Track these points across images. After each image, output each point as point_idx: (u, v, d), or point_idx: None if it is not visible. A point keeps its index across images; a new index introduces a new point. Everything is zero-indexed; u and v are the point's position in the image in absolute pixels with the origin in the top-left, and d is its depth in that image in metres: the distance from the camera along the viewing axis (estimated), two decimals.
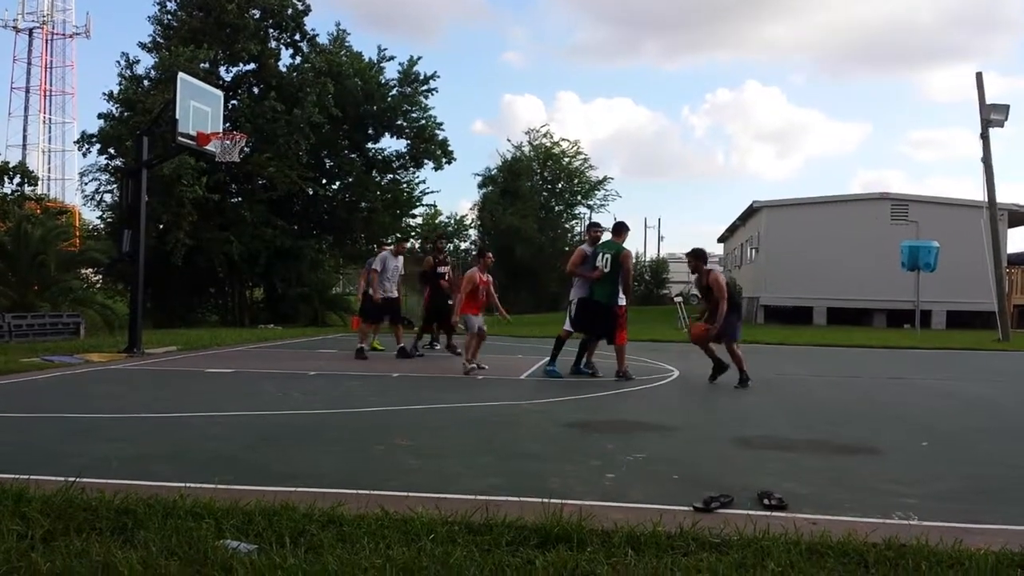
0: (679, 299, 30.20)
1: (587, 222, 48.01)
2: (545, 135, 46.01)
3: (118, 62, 26.35)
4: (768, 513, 4.42)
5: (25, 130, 65.37)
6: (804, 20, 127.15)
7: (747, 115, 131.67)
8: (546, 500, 4.30)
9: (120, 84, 25.72)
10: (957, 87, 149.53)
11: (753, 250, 35.77)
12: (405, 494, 4.62)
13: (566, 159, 46.21)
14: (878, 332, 26.95)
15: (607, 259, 11.05)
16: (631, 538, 3.83)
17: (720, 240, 51.22)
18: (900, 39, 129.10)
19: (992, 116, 23.79)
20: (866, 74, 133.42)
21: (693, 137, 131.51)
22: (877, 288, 30.57)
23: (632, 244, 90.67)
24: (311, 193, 28.16)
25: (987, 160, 24.08)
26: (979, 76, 24.20)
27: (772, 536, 3.86)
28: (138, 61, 26.46)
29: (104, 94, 25.65)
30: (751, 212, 35.87)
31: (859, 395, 10.44)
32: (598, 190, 47.32)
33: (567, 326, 11.51)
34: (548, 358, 11.62)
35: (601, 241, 11.41)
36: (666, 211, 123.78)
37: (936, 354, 18.08)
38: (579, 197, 47.29)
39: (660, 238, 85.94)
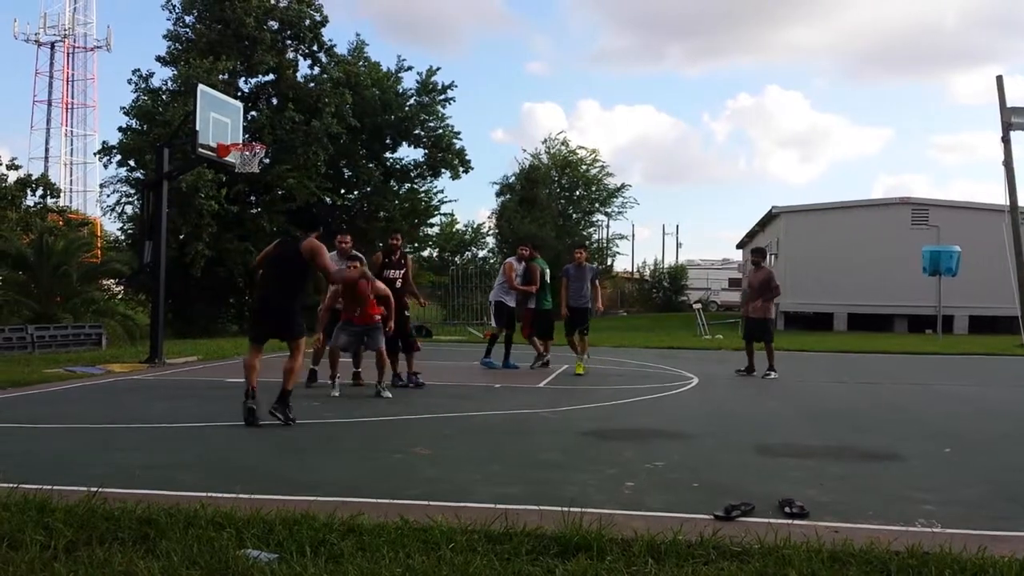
0: (698, 306, 30.10)
1: (606, 228, 47.98)
2: (563, 143, 45.98)
3: (130, 80, 26.58)
4: (789, 521, 4.39)
5: (47, 143, 65.80)
6: (827, 24, 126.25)
7: (769, 120, 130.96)
8: (565, 509, 4.29)
9: (136, 99, 25.93)
10: (984, 90, 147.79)
11: (772, 256, 35.62)
12: (424, 503, 4.62)
13: (583, 167, 46.14)
14: (900, 338, 26.74)
15: (547, 272, 13.40)
16: (651, 547, 3.81)
17: (739, 246, 51.02)
18: (925, 42, 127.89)
19: (1013, 119, 23.62)
20: (890, 78, 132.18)
21: (714, 142, 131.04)
22: (898, 293, 30.35)
23: (650, 251, 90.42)
24: (329, 202, 28.29)
25: (1008, 163, 23.88)
26: (999, 79, 24.03)
27: (793, 544, 3.84)
28: (152, 74, 26.69)
29: (122, 108, 25.88)
30: (770, 218, 35.73)
31: (881, 401, 10.36)
32: (616, 197, 47.27)
33: (494, 324, 13.37)
34: (488, 358, 13.35)
35: (534, 259, 13.38)
36: (687, 217, 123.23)
37: (959, 360, 17.91)
38: (597, 204, 47.21)
39: (679, 245, 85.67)
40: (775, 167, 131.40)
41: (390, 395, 9.64)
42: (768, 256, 36.08)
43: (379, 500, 4.68)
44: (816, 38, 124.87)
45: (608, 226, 49.57)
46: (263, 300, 8.15)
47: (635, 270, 60.79)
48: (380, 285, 9.79)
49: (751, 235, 43.52)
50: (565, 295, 12.72)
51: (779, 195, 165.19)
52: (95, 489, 4.51)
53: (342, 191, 29.34)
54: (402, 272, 10.80)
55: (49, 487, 4.63)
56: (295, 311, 7.78)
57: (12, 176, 22.21)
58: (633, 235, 66.66)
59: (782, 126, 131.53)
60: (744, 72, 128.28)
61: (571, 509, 4.27)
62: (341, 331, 9.72)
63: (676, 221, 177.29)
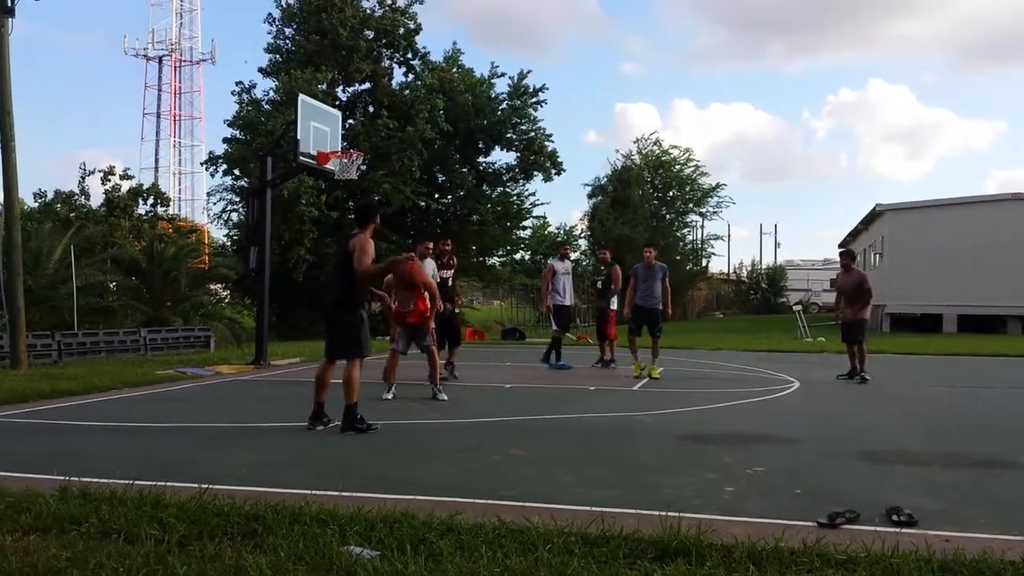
0: (798, 307, 29.34)
1: (701, 229, 47.32)
2: (655, 143, 45.54)
3: (233, 92, 27.54)
4: (897, 530, 4.24)
5: (157, 153, 68.78)
6: (934, 16, 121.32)
7: (873, 115, 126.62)
8: (663, 513, 4.25)
9: (239, 110, 26.87)
10: None
11: (877, 255, 34.44)
12: (520, 504, 4.65)
13: (677, 167, 45.60)
14: (1014, 340, 25.47)
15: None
16: (752, 553, 3.74)
17: (841, 246, 49.53)
18: None
19: None
20: (1001, 70, 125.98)
21: (815, 139, 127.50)
22: (1012, 293, 28.92)
23: (747, 251, 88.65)
24: (423, 206, 28.70)
25: None
26: None
27: (902, 553, 3.71)
28: (255, 85, 27.59)
29: (225, 120, 26.92)
30: (874, 216, 34.55)
31: (993, 407, 9.91)
32: (711, 197, 46.59)
33: (554, 327, 14.06)
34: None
35: (614, 263, 14.05)
36: (786, 216, 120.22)
37: None
38: (691, 205, 46.61)
39: (777, 244, 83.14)
40: (880, 164, 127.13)
41: (445, 397, 9.56)
42: (875, 256, 34.92)
43: (476, 500, 4.73)
44: (923, 30, 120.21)
45: (703, 226, 48.86)
46: (326, 312, 7.68)
47: (731, 271, 59.67)
48: (425, 275, 9.67)
49: (854, 234, 42.16)
50: (632, 295, 12.52)
51: (884, 192, 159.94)
52: (205, 486, 4.70)
53: (436, 196, 29.74)
54: (451, 273, 12.35)
55: (162, 484, 4.84)
56: (351, 322, 7.25)
57: (125, 186, 23.34)
58: (729, 235, 65.55)
59: (887, 121, 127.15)
60: (846, 67, 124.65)
61: (669, 513, 4.23)
62: (399, 334, 9.61)
63: (774, 220, 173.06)
